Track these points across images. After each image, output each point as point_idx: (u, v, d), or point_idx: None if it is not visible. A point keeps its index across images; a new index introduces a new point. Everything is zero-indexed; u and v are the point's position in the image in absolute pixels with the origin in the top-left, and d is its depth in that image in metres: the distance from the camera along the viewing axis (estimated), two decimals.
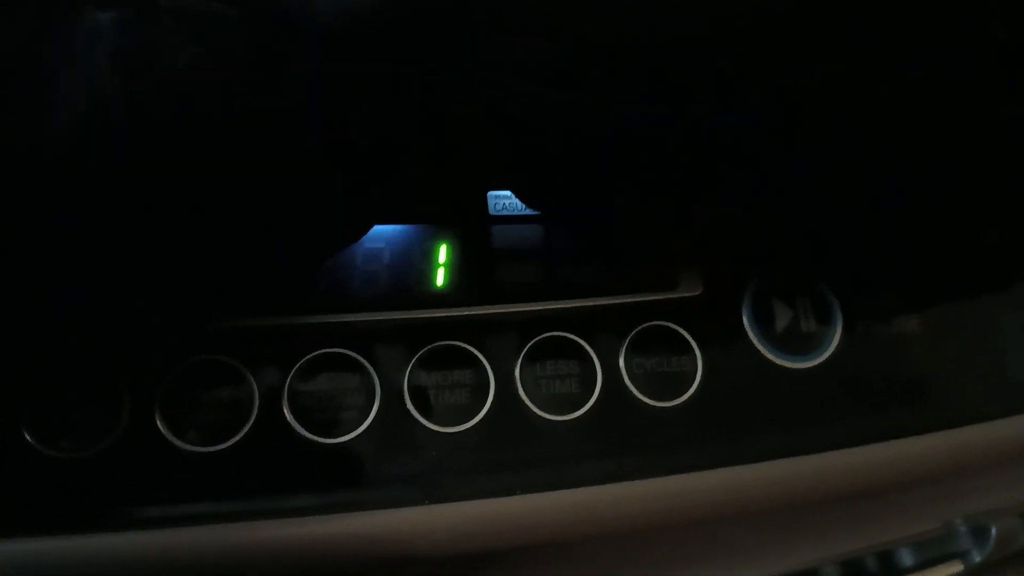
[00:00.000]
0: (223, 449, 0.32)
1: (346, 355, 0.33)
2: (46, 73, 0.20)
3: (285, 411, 0.32)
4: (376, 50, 0.23)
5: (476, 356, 0.34)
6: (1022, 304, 0.41)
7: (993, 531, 0.44)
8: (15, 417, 0.30)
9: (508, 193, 0.36)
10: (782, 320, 0.37)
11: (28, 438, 0.31)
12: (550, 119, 0.29)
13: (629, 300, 0.36)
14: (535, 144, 0.32)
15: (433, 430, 0.33)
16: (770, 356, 0.37)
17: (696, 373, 0.36)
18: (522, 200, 0.36)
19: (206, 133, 0.24)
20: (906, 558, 0.48)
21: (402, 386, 0.33)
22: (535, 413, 0.34)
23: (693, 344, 0.36)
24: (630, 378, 0.35)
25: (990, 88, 0.29)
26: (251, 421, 0.32)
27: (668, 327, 0.36)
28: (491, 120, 0.29)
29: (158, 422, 0.31)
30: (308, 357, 0.33)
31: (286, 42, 0.21)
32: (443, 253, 0.36)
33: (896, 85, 0.28)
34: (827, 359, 0.37)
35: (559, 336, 0.35)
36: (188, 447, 0.31)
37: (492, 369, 0.34)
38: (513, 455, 0.34)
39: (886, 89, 0.28)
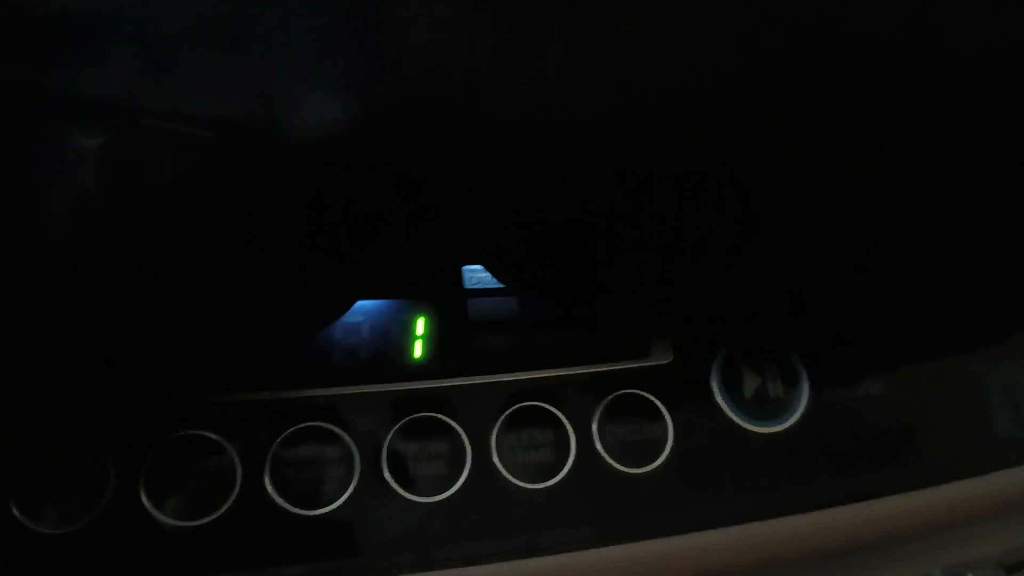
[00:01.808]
0: (206, 523, 0.32)
1: (326, 428, 0.34)
2: (37, 186, 0.21)
3: (267, 484, 0.33)
4: (348, 161, 0.25)
5: (453, 426, 0.35)
6: (991, 363, 0.42)
7: None
8: (1, 490, 0.31)
9: (482, 267, 0.38)
10: (750, 386, 0.38)
11: (15, 512, 0.31)
12: (518, 201, 0.30)
13: (601, 369, 0.37)
14: (504, 222, 0.34)
15: (411, 500, 0.34)
16: (739, 421, 0.38)
17: (667, 439, 0.37)
18: (494, 275, 0.37)
19: (189, 229, 0.26)
20: None
21: (381, 457, 0.34)
22: (511, 481, 0.35)
23: (664, 411, 0.37)
24: (603, 445, 0.36)
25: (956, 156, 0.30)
26: (234, 494, 0.33)
27: (640, 395, 0.37)
28: (463, 202, 0.31)
29: (142, 497, 0.32)
30: (289, 431, 0.34)
31: (261, 157, 0.23)
32: (420, 326, 0.37)
33: (860, 156, 0.30)
34: (795, 423, 0.38)
35: (533, 405, 0.36)
36: (172, 521, 0.32)
37: (468, 439, 0.35)
38: (490, 523, 0.35)
39: (847, 158, 0.30)
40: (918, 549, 0.44)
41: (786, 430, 0.38)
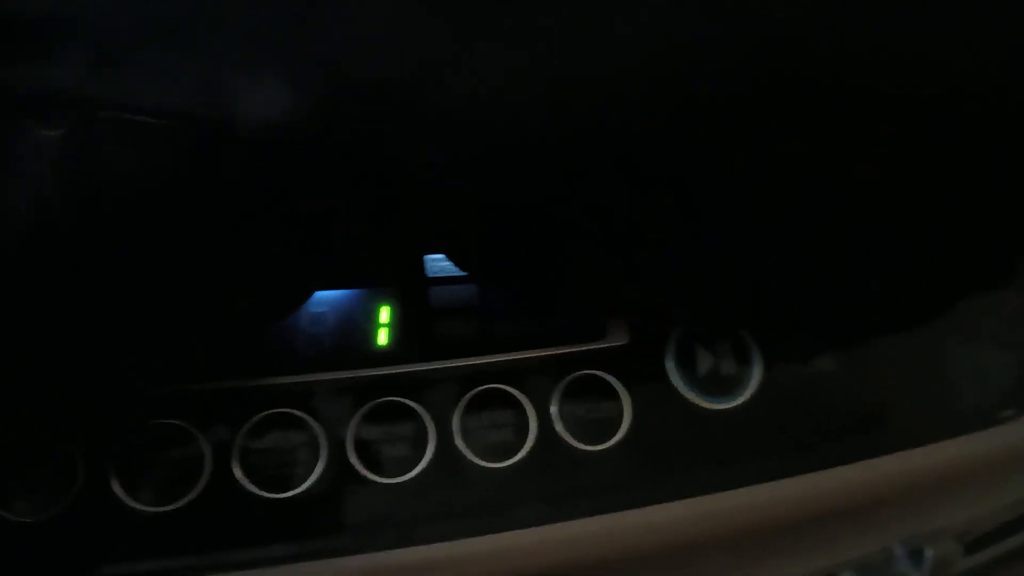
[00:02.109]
0: (177, 508, 0.33)
1: (292, 414, 0.35)
2: None
3: (235, 469, 0.34)
4: (302, 153, 0.26)
5: (416, 410, 0.36)
6: (939, 337, 0.44)
7: (929, 554, 0.46)
8: None
9: (443, 256, 0.39)
10: (704, 364, 0.40)
11: None
12: (470, 191, 0.31)
13: (560, 351, 0.38)
14: (459, 212, 0.35)
15: (377, 481, 0.35)
16: (693, 399, 0.39)
17: (624, 417, 0.38)
18: (454, 263, 0.38)
19: (149, 220, 0.26)
20: None
21: (346, 441, 0.35)
22: (473, 461, 0.36)
23: (621, 390, 0.38)
24: (562, 424, 0.37)
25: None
26: (203, 479, 0.34)
27: (597, 375, 0.38)
28: (418, 193, 0.32)
29: (112, 484, 0.33)
30: (257, 417, 0.35)
31: (216, 148, 0.24)
32: (384, 314, 0.38)
33: (804, 144, 0.31)
34: (748, 399, 0.40)
35: (494, 388, 0.37)
36: (143, 507, 0.33)
37: (432, 421, 0.36)
38: (453, 502, 0.36)
39: (796, 149, 0.31)
40: (876, 521, 0.46)
41: (739, 406, 0.40)
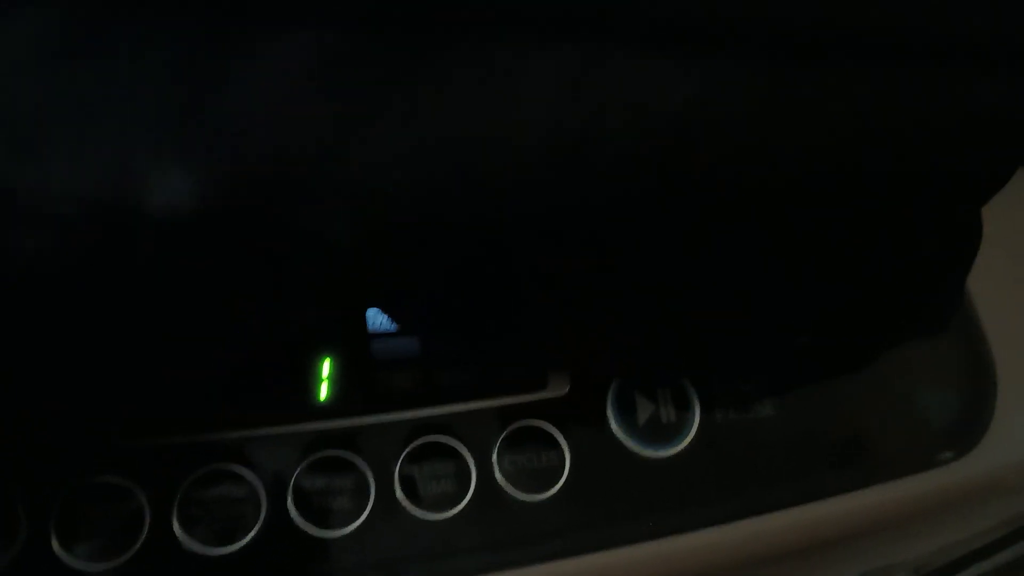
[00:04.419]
0: (117, 566, 0.34)
1: (233, 470, 0.36)
2: None
3: (175, 524, 0.35)
4: (216, 233, 0.26)
5: (356, 463, 0.37)
6: (876, 378, 0.45)
7: None
8: None
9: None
10: (644, 412, 0.41)
11: None
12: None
13: (500, 402, 0.39)
14: (403, 275, 0.35)
15: (316, 536, 0.36)
16: (633, 447, 0.40)
17: (565, 467, 0.39)
18: (391, 318, 0.39)
19: (65, 300, 0.27)
20: None
21: (287, 495, 0.36)
22: (412, 514, 0.36)
23: (561, 440, 0.39)
24: (502, 474, 0.38)
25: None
26: (143, 536, 0.34)
27: (537, 425, 0.39)
28: (365, 260, 0.33)
29: (52, 542, 0.33)
30: (196, 473, 0.35)
31: (127, 233, 0.24)
32: (326, 368, 0.39)
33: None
34: (687, 446, 0.40)
35: (435, 440, 0.38)
36: (83, 566, 0.33)
37: (372, 473, 0.37)
38: (394, 553, 0.36)
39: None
40: (826, 559, 0.46)
41: (678, 453, 0.40)
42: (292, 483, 0.36)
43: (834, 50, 0.26)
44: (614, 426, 0.40)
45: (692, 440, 0.41)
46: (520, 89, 0.24)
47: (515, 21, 0.24)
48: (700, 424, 0.41)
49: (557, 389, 0.40)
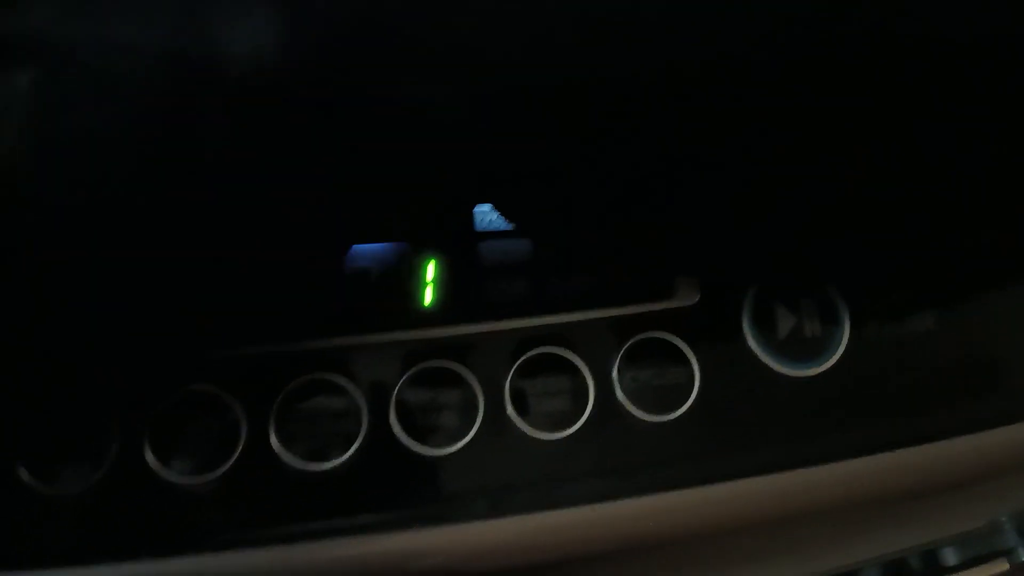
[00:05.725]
0: (212, 479, 0.32)
1: (332, 380, 0.33)
2: None
3: (271, 438, 0.32)
4: (317, 92, 0.23)
5: (463, 375, 0.33)
6: None
7: None
8: (8, 455, 0.31)
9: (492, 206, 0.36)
10: (784, 326, 0.36)
11: (23, 476, 0.31)
12: (529, 138, 0.28)
13: (621, 312, 0.35)
14: (516, 159, 0.31)
15: (419, 453, 0.33)
16: (772, 364, 0.35)
17: (694, 385, 0.35)
18: (505, 216, 0.35)
19: (173, 171, 0.24)
20: (950, 557, 0.47)
21: (389, 409, 0.33)
22: (525, 433, 0.33)
23: (690, 355, 0.35)
24: (624, 392, 0.34)
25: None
26: (239, 449, 0.32)
27: (663, 338, 0.35)
28: (470, 137, 0.29)
29: (147, 455, 0.31)
30: (293, 383, 0.33)
31: (211, 91, 0.21)
32: (431, 271, 0.35)
33: (889, 89, 0.27)
34: (834, 364, 0.36)
35: (550, 352, 0.34)
36: (177, 479, 0.31)
37: (480, 388, 0.33)
38: (505, 476, 0.33)
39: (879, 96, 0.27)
40: (980, 494, 0.41)
41: (823, 372, 0.36)
42: (395, 396, 0.33)
43: None
44: (750, 340, 0.36)
45: (840, 358, 0.36)
46: None
47: None
48: (849, 339, 0.36)
49: (686, 298, 0.36)
